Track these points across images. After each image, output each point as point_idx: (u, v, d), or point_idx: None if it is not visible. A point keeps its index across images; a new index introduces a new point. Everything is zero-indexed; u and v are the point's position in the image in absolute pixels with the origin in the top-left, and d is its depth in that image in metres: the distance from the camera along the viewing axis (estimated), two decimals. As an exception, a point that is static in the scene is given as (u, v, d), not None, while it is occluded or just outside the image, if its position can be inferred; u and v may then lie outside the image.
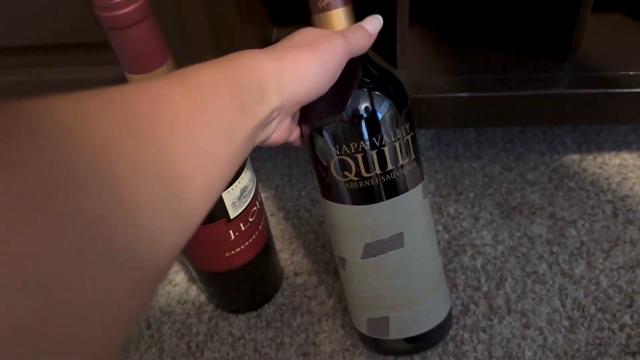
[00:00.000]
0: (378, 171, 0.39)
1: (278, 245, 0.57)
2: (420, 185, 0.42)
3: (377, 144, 0.38)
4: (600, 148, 0.62)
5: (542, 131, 0.64)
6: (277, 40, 0.59)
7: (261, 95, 0.28)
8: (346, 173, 0.40)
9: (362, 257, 0.42)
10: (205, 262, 0.47)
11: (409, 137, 0.40)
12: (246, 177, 0.44)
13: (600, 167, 0.60)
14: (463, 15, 0.58)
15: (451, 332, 0.48)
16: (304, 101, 0.32)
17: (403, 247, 0.42)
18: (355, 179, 0.39)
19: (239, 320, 0.52)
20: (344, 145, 0.39)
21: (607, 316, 0.48)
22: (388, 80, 0.40)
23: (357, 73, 0.38)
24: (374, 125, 0.38)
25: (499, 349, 0.47)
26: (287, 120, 0.35)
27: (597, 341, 0.47)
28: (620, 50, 0.52)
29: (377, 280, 0.43)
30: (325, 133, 0.39)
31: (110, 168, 0.18)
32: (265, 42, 0.57)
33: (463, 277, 0.52)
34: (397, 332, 0.45)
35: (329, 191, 0.41)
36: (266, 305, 0.53)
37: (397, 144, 0.39)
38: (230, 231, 0.44)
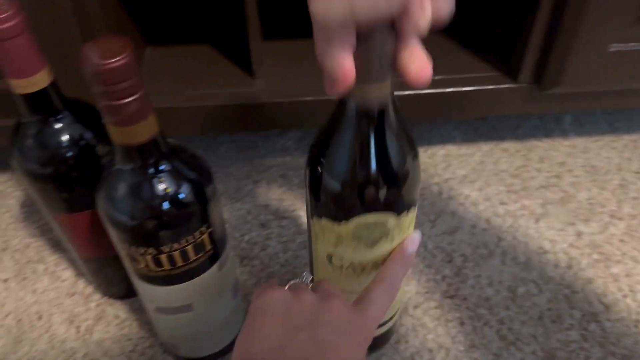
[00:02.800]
0: (167, 267, 0.39)
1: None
2: (216, 264, 0.42)
3: (167, 250, 0.37)
4: (430, 142, 0.75)
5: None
6: (150, 60, 0.66)
7: None
8: (134, 264, 0.39)
9: (154, 311, 0.45)
10: (90, 247, 0.53)
11: (204, 236, 0.39)
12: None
13: (430, 158, 0.73)
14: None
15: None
16: None
17: (192, 311, 0.44)
18: (144, 269, 0.39)
19: (125, 304, 0.58)
20: (132, 246, 0.37)
21: (432, 270, 0.60)
22: (189, 188, 0.37)
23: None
24: (163, 235, 0.37)
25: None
26: None
27: (425, 290, 0.58)
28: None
29: (168, 328, 0.47)
30: (112, 229, 0.38)
31: None
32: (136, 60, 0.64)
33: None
34: (186, 352, 0.51)
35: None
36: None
37: (189, 247, 0.38)
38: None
